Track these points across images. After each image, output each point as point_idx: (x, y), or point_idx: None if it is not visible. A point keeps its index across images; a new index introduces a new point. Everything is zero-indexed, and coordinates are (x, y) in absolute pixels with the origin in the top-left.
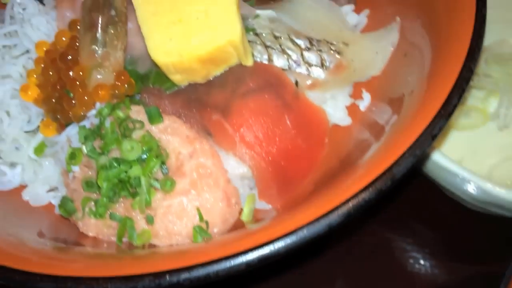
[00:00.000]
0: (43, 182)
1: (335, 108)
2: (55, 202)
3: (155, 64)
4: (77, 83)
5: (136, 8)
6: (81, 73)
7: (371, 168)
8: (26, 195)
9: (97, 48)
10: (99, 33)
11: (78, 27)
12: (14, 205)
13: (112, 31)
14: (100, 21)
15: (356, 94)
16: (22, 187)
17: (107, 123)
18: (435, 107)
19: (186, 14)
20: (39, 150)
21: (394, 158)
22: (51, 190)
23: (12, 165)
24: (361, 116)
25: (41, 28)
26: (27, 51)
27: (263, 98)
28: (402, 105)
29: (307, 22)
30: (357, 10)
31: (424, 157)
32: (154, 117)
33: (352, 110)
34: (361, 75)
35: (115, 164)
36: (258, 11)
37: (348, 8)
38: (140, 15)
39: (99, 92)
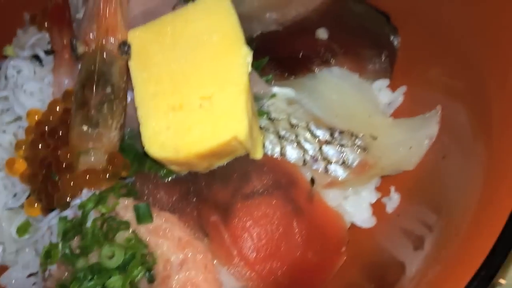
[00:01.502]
0: (23, 265)
1: (357, 206)
2: None
3: None
4: (64, 165)
5: (134, 87)
6: (68, 155)
7: None
8: (4, 280)
9: (88, 129)
10: (91, 113)
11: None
12: None
13: (107, 111)
14: (93, 100)
15: (383, 188)
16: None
17: (89, 222)
18: (480, 256)
19: (188, 99)
20: (23, 229)
21: None
22: (32, 275)
23: None
24: (389, 220)
25: (35, 94)
26: (19, 118)
27: (269, 203)
28: (440, 224)
29: (331, 105)
30: (393, 86)
31: None
32: (143, 217)
33: (377, 208)
34: (390, 171)
35: (90, 276)
36: (276, 89)
37: (382, 83)
38: (137, 96)
39: (87, 177)
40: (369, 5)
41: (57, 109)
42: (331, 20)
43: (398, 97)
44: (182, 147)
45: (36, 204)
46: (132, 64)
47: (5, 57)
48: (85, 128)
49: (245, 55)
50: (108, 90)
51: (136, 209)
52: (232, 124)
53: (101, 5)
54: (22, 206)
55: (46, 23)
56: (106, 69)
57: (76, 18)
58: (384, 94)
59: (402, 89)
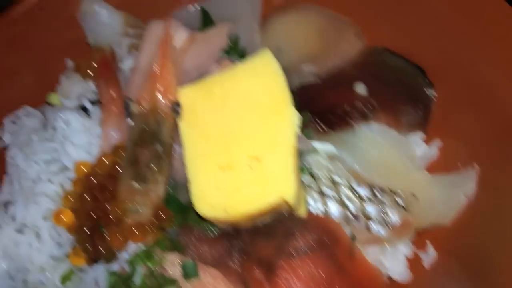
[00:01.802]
0: None
1: (394, 260)
2: None
3: None
4: (112, 219)
5: (184, 145)
6: (117, 210)
7: None
8: None
9: (137, 185)
10: (141, 170)
11: (123, 154)
12: None
13: (156, 167)
14: (143, 157)
15: (419, 242)
16: None
17: (137, 278)
18: None
19: (237, 160)
20: (67, 278)
21: None
22: None
23: None
24: (426, 274)
25: (83, 146)
26: (66, 168)
27: (313, 261)
28: (481, 280)
29: (370, 162)
30: (427, 139)
31: None
32: (190, 274)
33: (414, 262)
34: (426, 226)
35: None
36: (316, 145)
37: (417, 136)
38: (187, 154)
39: (134, 231)
40: (403, 58)
41: (105, 162)
42: (368, 72)
43: (432, 150)
44: (231, 208)
45: (81, 254)
46: (182, 122)
47: (48, 103)
48: (134, 184)
49: (293, 117)
50: (158, 148)
51: (184, 266)
52: (281, 186)
53: (156, 66)
54: (66, 255)
55: (90, 72)
56: (158, 128)
57: (121, 68)
58: (418, 147)
59: (437, 142)
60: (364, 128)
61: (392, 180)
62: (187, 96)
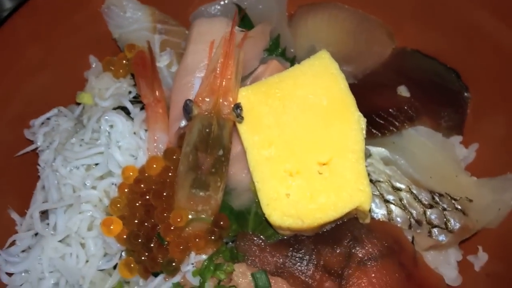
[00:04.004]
0: None
1: (447, 266)
2: None
3: (253, 201)
4: (172, 228)
5: (246, 150)
6: (179, 219)
7: None
8: None
9: (199, 192)
10: (203, 176)
11: (174, 157)
12: None
13: (217, 173)
14: (206, 163)
15: (466, 247)
16: None
17: None
18: None
19: (305, 165)
20: None
21: None
22: None
23: None
24: (476, 278)
25: (129, 149)
26: (110, 173)
27: (385, 269)
28: None
29: (423, 166)
30: (464, 142)
31: None
32: (262, 285)
33: (463, 266)
34: (478, 229)
35: None
36: (370, 148)
37: (455, 140)
38: (251, 160)
39: (196, 241)
40: (436, 60)
41: (155, 167)
42: (404, 74)
43: (470, 153)
44: (306, 216)
45: (132, 265)
46: (242, 126)
47: (77, 103)
48: (196, 191)
49: (360, 121)
50: (220, 153)
51: (255, 278)
52: (356, 194)
53: (219, 67)
54: (113, 267)
55: (121, 71)
56: (220, 132)
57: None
58: (458, 150)
59: (475, 146)
60: (411, 131)
61: (446, 184)
62: (245, 97)
